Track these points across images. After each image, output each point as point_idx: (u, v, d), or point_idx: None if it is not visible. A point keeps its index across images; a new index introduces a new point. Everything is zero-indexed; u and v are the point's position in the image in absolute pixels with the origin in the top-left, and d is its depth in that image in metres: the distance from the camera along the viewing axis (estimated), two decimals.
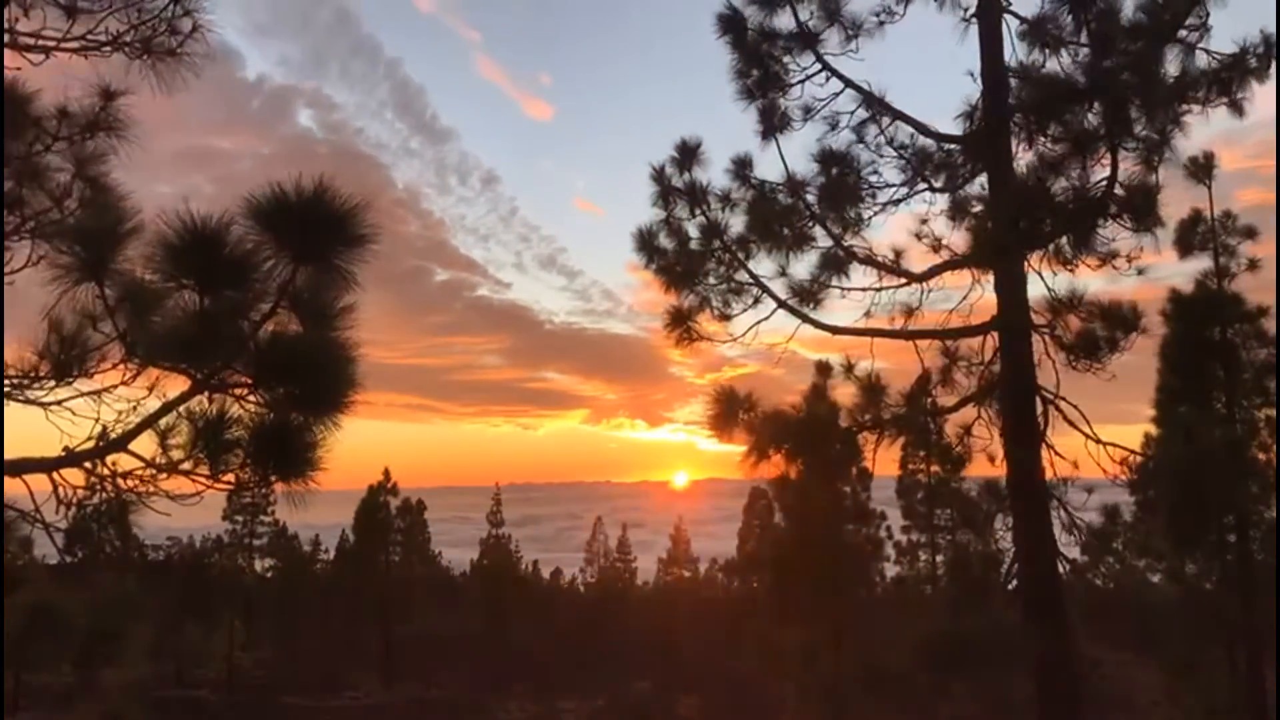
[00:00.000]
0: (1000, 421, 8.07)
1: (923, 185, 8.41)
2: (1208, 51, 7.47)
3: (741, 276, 8.58)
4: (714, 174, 8.51)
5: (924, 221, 8.80)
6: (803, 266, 8.66)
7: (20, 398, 3.79)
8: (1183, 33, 7.38)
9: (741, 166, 8.46)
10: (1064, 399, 7.92)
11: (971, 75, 8.02)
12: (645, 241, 8.64)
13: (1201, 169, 15.32)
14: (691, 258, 8.57)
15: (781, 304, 8.55)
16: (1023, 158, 7.92)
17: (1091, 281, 8.31)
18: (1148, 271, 8.35)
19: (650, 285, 8.62)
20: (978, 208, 8.58)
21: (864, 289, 8.66)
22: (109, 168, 5.33)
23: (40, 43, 4.54)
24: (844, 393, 8.70)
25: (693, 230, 8.59)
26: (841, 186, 8.32)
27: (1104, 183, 7.73)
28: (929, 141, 8.26)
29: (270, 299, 3.05)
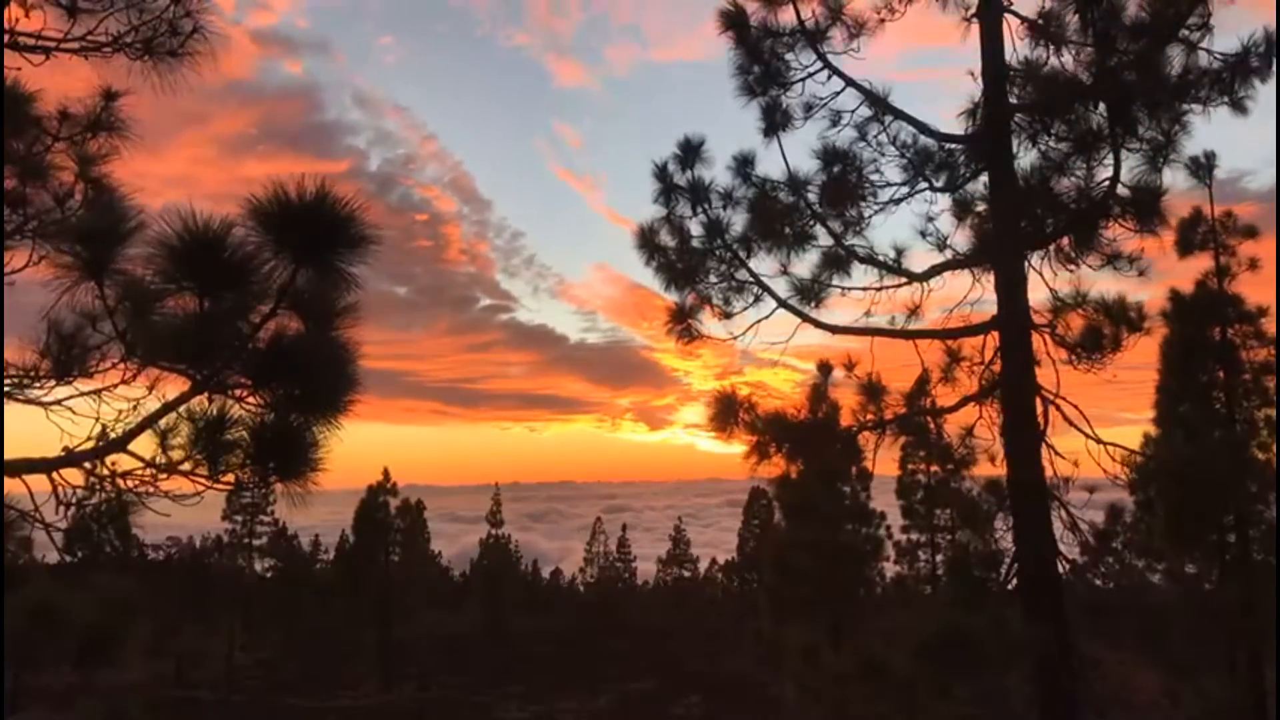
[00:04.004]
0: (1000, 421, 8.05)
1: (924, 184, 8.39)
2: (1209, 51, 7.45)
3: (742, 275, 8.56)
4: (717, 171, 8.49)
5: (929, 220, 8.78)
6: (804, 265, 8.66)
7: (20, 397, 3.79)
8: (1184, 31, 7.36)
9: (743, 164, 8.43)
10: (1064, 399, 7.91)
11: (972, 74, 8.01)
12: (647, 239, 8.62)
13: (1202, 168, 15.32)
14: (693, 255, 8.56)
15: (782, 303, 8.53)
16: (1024, 157, 7.91)
17: (1093, 282, 8.31)
18: (1149, 272, 8.34)
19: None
20: (980, 207, 8.57)
21: (865, 288, 8.65)
22: (111, 168, 5.33)
23: (41, 43, 4.53)
24: (844, 393, 8.70)
25: (694, 228, 8.58)
26: (842, 184, 8.30)
27: (1107, 182, 7.72)
28: (930, 141, 8.24)
29: (271, 300, 3.04)
